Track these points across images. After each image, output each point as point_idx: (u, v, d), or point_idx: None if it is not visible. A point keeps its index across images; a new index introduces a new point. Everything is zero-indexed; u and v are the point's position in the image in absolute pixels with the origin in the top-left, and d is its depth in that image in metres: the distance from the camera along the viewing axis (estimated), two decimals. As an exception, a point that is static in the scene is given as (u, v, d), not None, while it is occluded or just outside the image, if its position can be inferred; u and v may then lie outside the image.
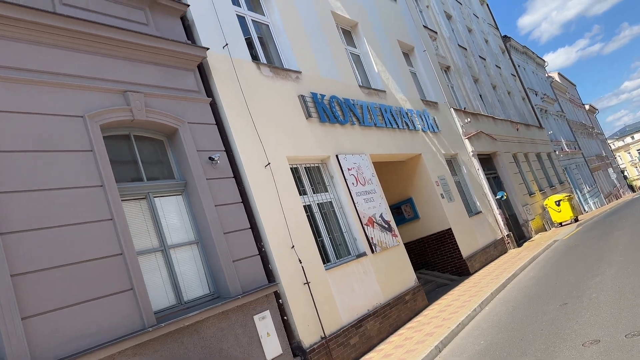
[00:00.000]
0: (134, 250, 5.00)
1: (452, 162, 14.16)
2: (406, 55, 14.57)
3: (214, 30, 7.44)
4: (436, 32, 17.79)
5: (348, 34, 11.98)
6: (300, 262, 7.01)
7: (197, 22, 7.18)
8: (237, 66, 7.51)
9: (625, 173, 78.63)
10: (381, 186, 10.23)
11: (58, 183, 4.69)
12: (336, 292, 7.47)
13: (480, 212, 14.03)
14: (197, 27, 7.12)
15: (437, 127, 13.57)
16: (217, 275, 5.88)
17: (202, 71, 6.91)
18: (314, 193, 8.42)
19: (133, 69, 5.86)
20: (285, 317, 6.43)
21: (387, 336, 7.96)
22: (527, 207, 18.05)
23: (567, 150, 31.77)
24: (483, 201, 14.50)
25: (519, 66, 30.11)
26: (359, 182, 9.23)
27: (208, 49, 6.90)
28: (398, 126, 11.50)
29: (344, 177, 8.89)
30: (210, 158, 6.24)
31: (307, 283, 6.96)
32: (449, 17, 20.53)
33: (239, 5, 8.65)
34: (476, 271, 12.09)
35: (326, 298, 7.22)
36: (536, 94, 31.39)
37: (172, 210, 5.89)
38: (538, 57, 36.77)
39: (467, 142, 15.23)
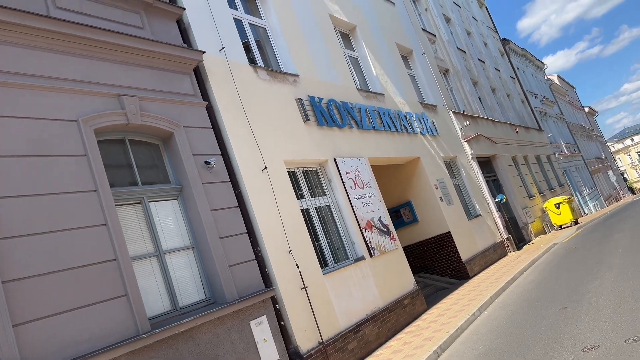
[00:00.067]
0: (128, 255, 4.95)
1: (451, 165, 14.12)
2: (405, 58, 14.55)
3: (211, 34, 7.41)
4: (435, 35, 17.78)
5: (346, 37, 11.96)
6: (298, 267, 6.95)
7: (194, 25, 7.15)
8: (233, 69, 7.47)
9: (625, 175, 78.56)
10: (380, 190, 10.19)
11: (51, 188, 4.65)
12: (334, 297, 7.42)
13: (480, 215, 13.98)
14: (193, 31, 7.09)
15: (436, 130, 13.53)
16: (212, 280, 5.83)
17: (199, 75, 6.87)
18: (311, 197, 8.37)
19: (128, 72, 5.82)
20: (282, 323, 6.37)
21: (386, 341, 7.90)
22: (527, 209, 18.00)
23: (566, 152, 31.74)
24: (482, 204, 14.45)
25: (518, 69, 30.11)
26: (357, 186, 9.19)
27: (204, 52, 6.87)
28: (397, 129, 11.47)
29: (342, 180, 8.85)
30: (206, 162, 6.20)
31: (305, 288, 6.90)
32: (447, 20, 20.52)
33: (236, 9, 8.62)
34: (475, 274, 12.03)
35: (324, 303, 7.16)
36: (535, 97, 31.38)
37: (167, 215, 5.84)
38: (537, 59, 36.78)
39: (466, 145, 15.19)
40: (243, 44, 8.23)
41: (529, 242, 16.60)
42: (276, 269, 6.62)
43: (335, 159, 8.89)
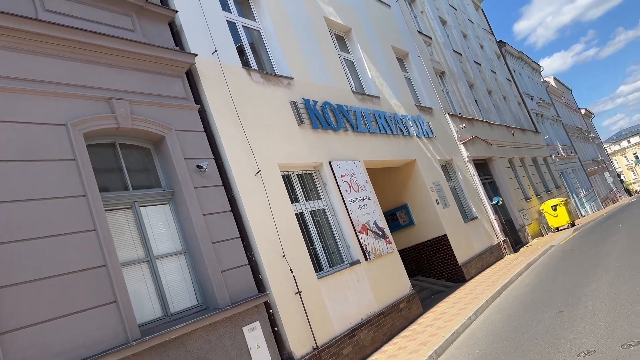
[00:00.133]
0: (118, 261, 4.88)
1: (447, 168, 14.08)
2: (400, 61, 14.52)
3: (203, 36, 7.35)
4: (431, 38, 17.77)
5: (341, 40, 11.92)
6: (292, 271, 6.88)
7: (186, 28, 7.09)
8: (226, 72, 7.41)
9: (622, 177, 78.76)
10: (376, 193, 10.13)
11: (39, 193, 4.57)
12: (329, 301, 7.35)
13: (476, 217, 13.93)
14: (185, 33, 7.03)
15: (432, 133, 13.49)
16: (205, 285, 5.75)
17: (191, 78, 6.81)
18: (306, 200, 8.31)
19: (118, 76, 5.76)
20: (275, 328, 6.30)
21: (381, 345, 7.83)
22: (524, 212, 17.97)
23: (563, 154, 31.77)
24: (479, 207, 14.41)
25: (514, 71, 30.16)
26: (352, 189, 9.13)
27: (196, 55, 6.81)
28: (392, 132, 11.42)
29: (337, 184, 8.79)
30: (198, 166, 6.13)
31: (299, 292, 6.83)
32: (443, 22, 20.52)
33: (229, 11, 8.57)
34: (472, 277, 11.98)
35: (318, 307, 7.09)
36: (532, 99, 31.43)
37: (158, 220, 5.76)
38: (533, 61, 36.86)
39: (462, 147, 15.15)
40: (237, 47, 8.18)
41: (526, 244, 16.57)
42: (270, 273, 6.55)
43: (330, 162, 8.83)
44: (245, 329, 5.78)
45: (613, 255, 9.84)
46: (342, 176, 8.98)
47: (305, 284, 7.04)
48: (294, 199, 7.98)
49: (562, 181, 27.49)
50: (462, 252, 12.22)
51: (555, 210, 18.67)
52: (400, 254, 11.27)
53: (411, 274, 12.11)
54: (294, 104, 8.57)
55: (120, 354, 4.47)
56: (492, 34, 29.03)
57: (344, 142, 9.59)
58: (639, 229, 13.01)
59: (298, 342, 6.46)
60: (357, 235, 8.65)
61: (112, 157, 5.64)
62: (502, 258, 14.17)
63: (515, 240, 16.45)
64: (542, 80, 39.55)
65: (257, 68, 8.51)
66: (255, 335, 5.88)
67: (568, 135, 38.19)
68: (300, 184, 8.37)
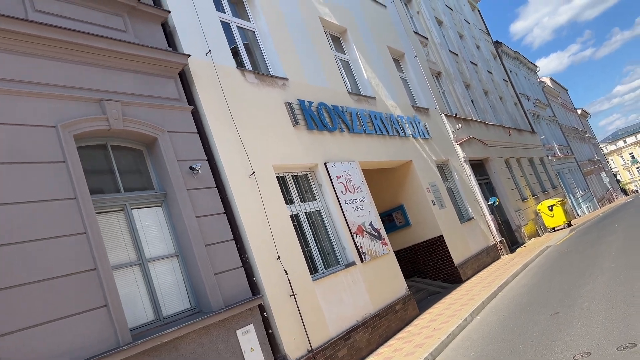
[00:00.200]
0: (109, 264, 4.82)
1: (443, 169, 14.05)
2: (396, 61, 14.48)
3: (197, 37, 7.29)
4: (427, 38, 17.75)
5: (337, 40, 11.88)
6: (287, 274, 6.83)
7: (179, 28, 7.03)
8: (220, 73, 7.36)
9: (618, 177, 79.01)
10: (371, 194, 10.09)
11: (28, 196, 4.51)
12: (324, 303, 7.30)
13: (472, 218, 13.91)
14: (178, 34, 6.97)
15: (428, 134, 13.46)
16: (198, 288, 5.69)
17: (184, 78, 6.75)
18: (301, 202, 8.26)
19: (110, 77, 5.69)
20: (270, 331, 6.25)
21: (377, 347, 7.78)
22: (520, 212, 17.96)
23: (559, 154, 31.81)
24: (475, 207, 14.39)
25: (510, 71, 30.19)
26: (348, 190, 9.08)
27: (189, 55, 6.75)
28: (388, 133, 11.38)
29: (333, 185, 8.74)
30: (191, 168, 6.07)
31: (294, 295, 6.78)
32: (439, 23, 20.52)
33: (223, 12, 8.51)
34: (468, 278, 11.95)
35: (313, 310, 7.04)
36: (528, 99, 31.46)
37: (150, 222, 5.70)
38: (530, 62, 36.92)
39: (458, 148, 15.13)
40: (231, 48, 8.12)
41: (522, 244, 16.55)
42: (264, 276, 6.50)
43: (325, 164, 8.78)
44: (239, 332, 5.73)
45: (609, 255, 9.83)
46: (337, 177, 8.93)
47: (300, 286, 6.99)
48: (288, 201, 7.93)
49: (559, 181, 27.52)
50: (459, 252, 12.19)
51: (551, 210, 18.67)
52: (396, 254, 11.27)
53: (407, 275, 12.07)
54: (288, 104, 8.52)
55: (110, 358, 4.41)
56: (489, 34, 29.05)
57: (339, 143, 9.54)
58: (635, 229, 13.01)
59: (293, 345, 6.41)
60: (352, 237, 8.61)
61: (104, 159, 5.58)
62: (498, 259, 14.15)
63: (512, 240, 16.44)
64: (538, 80, 39.62)
65: (251, 69, 8.46)
66: (249, 339, 5.82)
67: (564, 135, 38.26)
68: (295, 186, 8.31)
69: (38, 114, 4.87)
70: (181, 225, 5.76)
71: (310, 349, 6.60)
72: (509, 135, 21.48)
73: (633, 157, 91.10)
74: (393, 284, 9.16)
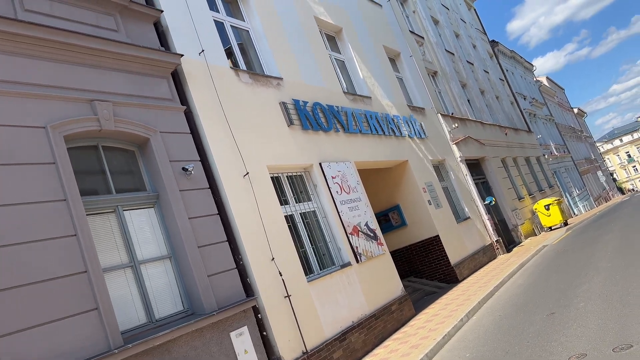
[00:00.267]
0: (100, 267, 4.76)
1: (439, 168, 14.02)
2: (392, 61, 14.44)
3: (190, 36, 7.23)
4: (423, 37, 17.72)
5: (332, 40, 11.83)
6: (281, 275, 6.78)
7: (172, 28, 6.97)
8: (214, 73, 7.30)
9: (615, 176, 79.23)
10: (367, 194, 10.05)
11: (17, 198, 4.44)
12: (319, 305, 7.25)
13: (469, 217, 13.88)
14: (171, 33, 6.91)
15: (424, 133, 13.43)
16: (190, 290, 5.63)
17: (177, 78, 6.69)
18: (296, 202, 8.21)
19: (101, 77, 5.63)
20: (264, 333, 6.20)
21: (372, 348, 7.74)
22: (517, 211, 17.96)
23: (556, 154, 31.84)
24: (471, 207, 14.36)
25: (507, 71, 30.20)
26: (343, 191, 9.04)
27: (182, 55, 6.69)
28: (384, 133, 11.34)
29: (328, 185, 8.69)
30: (183, 168, 6.01)
31: (288, 296, 6.73)
32: (435, 22, 20.49)
33: (217, 11, 8.45)
34: (465, 278, 11.92)
35: (308, 311, 6.99)
36: (525, 99, 31.48)
37: (142, 224, 5.64)
38: (526, 61, 36.95)
39: (454, 147, 15.11)
40: (225, 47, 8.06)
41: (519, 244, 16.55)
42: (258, 277, 6.45)
43: (320, 164, 8.74)
44: (232, 335, 5.68)
45: (605, 255, 9.81)
46: (332, 177, 8.89)
47: (295, 288, 6.94)
48: (283, 201, 7.88)
49: (555, 180, 27.55)
50: (455, 252, 12.16)
51: (548, 209, 18.68)
52: (392, 255, 11.21)
53: (403, 275, 12.05)
54: (283, 104, 8.46)
55: (101, 362, 4.35)
56: (485, 33, 29.05)
57: (334, 143, 9.50)
58: (631, 228, 13.01)
59: (287, 347, 6.36)
60: (348, 237, 8.56)
61: (95, 160, 5.51)
62: (495, 258, 14.14)
63: (508, 240, 16.43)
64: (534, 79, 39.65)
65: (245, 68, 8.40)
66: (243, 341, 5.77)
67: (561, 134, 38.31)
68: (290, 186, 8.26)
69: (27, 115, 4.81)
70: (174, 227, 5.71)
71: (305, 350, 6.55)
72: (506, 134, 21.48)
73: (629, 155, 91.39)
74: (389, 284, 9.12)
